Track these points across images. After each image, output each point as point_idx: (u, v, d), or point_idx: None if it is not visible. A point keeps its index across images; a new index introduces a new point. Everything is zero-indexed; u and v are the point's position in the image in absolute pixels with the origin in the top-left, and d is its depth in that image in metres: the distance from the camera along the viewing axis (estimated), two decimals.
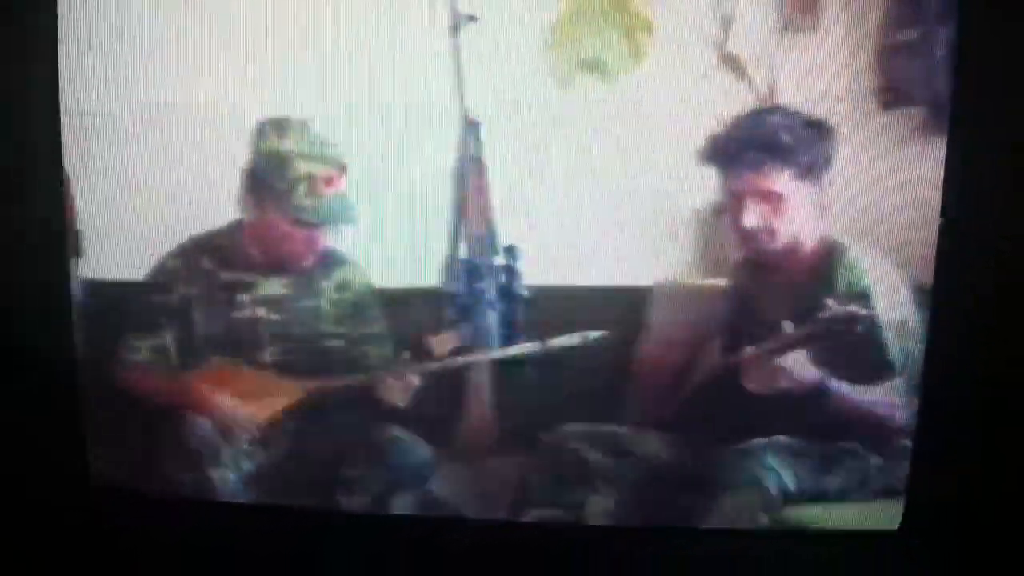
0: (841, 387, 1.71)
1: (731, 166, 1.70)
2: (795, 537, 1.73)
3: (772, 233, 1.72)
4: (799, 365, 1.71)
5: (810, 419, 1.72)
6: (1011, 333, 1.63)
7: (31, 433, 1.81)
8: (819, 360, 1.71)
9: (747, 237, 1.73)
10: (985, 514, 1.65)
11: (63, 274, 1.77)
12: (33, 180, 1.75)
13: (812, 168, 1.68)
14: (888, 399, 1.70)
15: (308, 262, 1.84)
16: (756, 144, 1.68)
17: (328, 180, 1.77)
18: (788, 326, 1.71)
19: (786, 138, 1.67)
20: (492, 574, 1.82)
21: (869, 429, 1.72)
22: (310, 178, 1.77)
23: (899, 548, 1.68)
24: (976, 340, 1.64)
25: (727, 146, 1.69)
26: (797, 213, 1.71)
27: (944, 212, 1.62)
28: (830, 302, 1.68)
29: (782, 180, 1.69)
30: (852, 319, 1.67)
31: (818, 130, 1.67)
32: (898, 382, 1.70)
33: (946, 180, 1.60)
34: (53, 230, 1.76)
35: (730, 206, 1.72)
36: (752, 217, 1.71)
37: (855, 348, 1.69)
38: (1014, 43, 1.56)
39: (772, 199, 1.70)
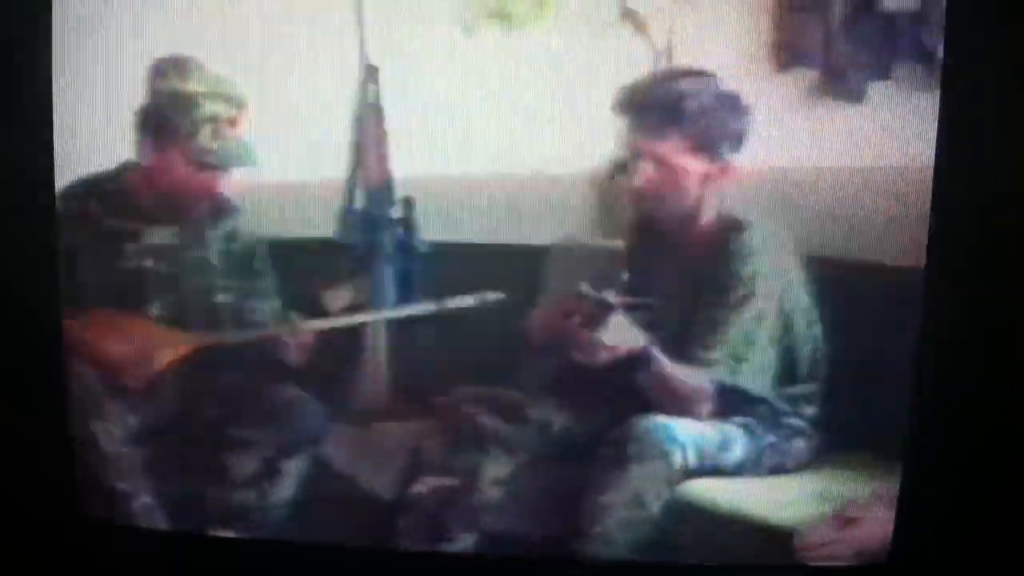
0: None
1: (633, 122, 1.66)
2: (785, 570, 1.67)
3: (661, 199, 1.69)
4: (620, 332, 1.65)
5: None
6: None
7: None
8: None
9: (636, 198, 1.70)
10: (974, 544, 1.60)
11: None
12: None
13: (713, 141, 1.64)
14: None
15: (205, 206, 1.78)
16: (659, 106, 1.64)
17: (232, 121, 1.73)
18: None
19: (691, 105, 1.63)
20: None
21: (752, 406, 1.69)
22: (215, 119, 1.72)
23: None
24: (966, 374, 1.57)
25: (633, 100, 1.65)
26: (690, 184, 1.67)
27: None
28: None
29: (678, 148, 1.66)
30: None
31: (729, 102, 1.62)
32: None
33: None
34: None
35: (628, 163, 1.69)
36: (641, 179, 1.68)
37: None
38: None
39: (665, 164, 1.66)
